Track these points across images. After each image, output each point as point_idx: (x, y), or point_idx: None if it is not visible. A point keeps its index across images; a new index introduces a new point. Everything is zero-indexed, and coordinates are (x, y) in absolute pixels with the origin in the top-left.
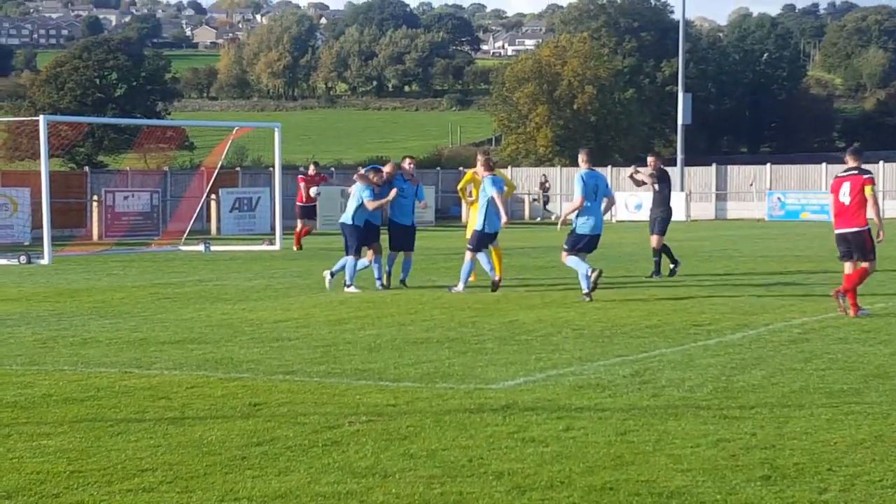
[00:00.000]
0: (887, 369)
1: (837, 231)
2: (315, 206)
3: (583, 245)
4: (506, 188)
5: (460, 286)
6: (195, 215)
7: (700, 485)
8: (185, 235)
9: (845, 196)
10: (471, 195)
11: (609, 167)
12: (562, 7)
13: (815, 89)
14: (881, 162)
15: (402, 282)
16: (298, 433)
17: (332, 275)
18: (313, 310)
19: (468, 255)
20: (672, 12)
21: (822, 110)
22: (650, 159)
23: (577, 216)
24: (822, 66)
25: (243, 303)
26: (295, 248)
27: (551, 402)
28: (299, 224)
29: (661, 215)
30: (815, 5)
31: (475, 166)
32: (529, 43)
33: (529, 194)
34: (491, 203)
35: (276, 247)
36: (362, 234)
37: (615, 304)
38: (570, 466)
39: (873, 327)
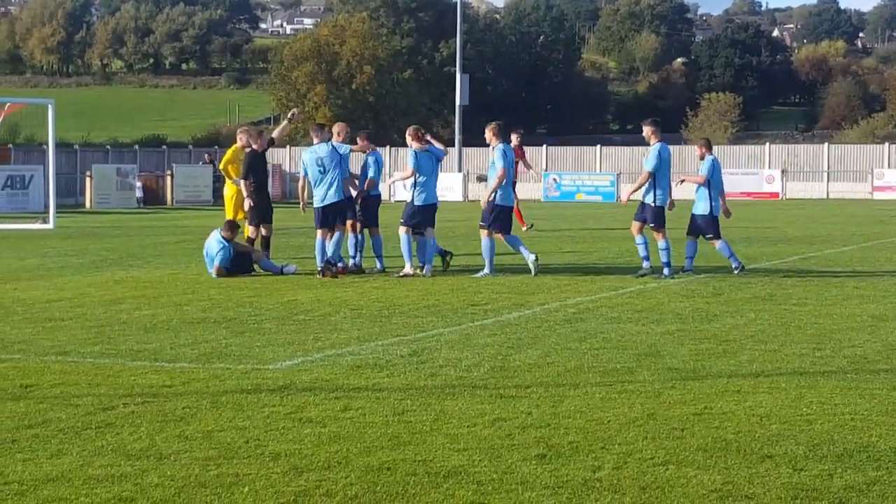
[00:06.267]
0: (659, 348)
1: None
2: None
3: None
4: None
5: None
6: None
7: (476, 464)
8: None
9: None
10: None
11: (388, 147)
12: None
13: (590, 72)
14: None
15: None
16: (71, 415)
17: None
18: (88, 289)
19: (483, 233)
20: None
21: (596, 93)
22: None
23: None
24: (597, 50)
25: (15, 282)
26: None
27: (329, 383)
28: None
29: None
30: None
31: (237, 143)
32: (308, 22)
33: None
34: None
35: (50, 225)
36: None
37: (393, 285)
38: (348, 447)
39: (645, 307)
